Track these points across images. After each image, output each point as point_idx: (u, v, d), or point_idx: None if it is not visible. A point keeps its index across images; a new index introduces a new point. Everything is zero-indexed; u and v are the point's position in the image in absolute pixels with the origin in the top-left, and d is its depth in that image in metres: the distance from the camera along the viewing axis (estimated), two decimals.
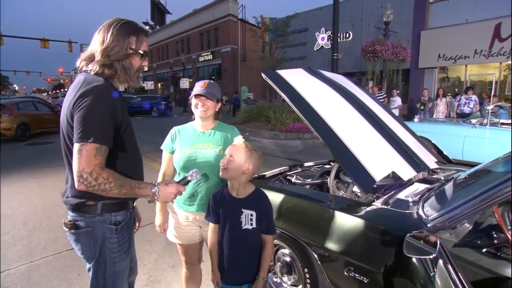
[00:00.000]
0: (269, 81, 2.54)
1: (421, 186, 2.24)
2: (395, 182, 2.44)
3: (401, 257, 1.60)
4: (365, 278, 1.76)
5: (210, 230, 1.72)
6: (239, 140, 1.66)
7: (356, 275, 1.80)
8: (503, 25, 11.94)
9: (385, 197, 2.16)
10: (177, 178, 1.98)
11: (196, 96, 1.88)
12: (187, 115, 21.99)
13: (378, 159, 2.25)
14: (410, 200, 1.94)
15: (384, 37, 12.35)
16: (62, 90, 75.14)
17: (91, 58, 1.38)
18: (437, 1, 14.23)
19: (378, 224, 1.76)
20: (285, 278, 2.35)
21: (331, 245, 1.89)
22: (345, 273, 1.85)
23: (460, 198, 1.61)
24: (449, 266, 1.34)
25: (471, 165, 3.04)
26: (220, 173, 1.62)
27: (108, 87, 1.33)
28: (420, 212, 1.74)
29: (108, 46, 1.34)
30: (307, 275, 2.13)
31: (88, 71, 1.37)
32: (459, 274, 1.32)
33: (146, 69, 1.54)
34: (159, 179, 2.02)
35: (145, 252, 3.24)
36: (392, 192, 2.22)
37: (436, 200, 1.84)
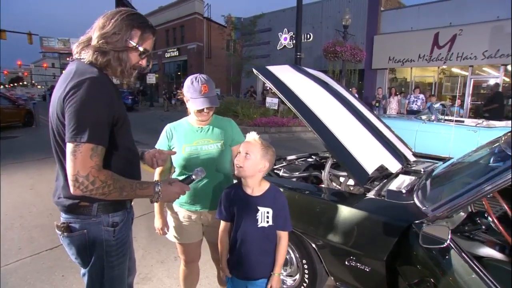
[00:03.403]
0: (260, 76, 2.41)
1: (406, 178, 2.26)
2: (380, 174, 2.45)
3: (403, 245, 1.59)
4: (366, 267, 1.73)
5: (222, 229, 1.57)
6: (253, 136, 1.51)
7: (358, 264, 1.76)
8: (440, 34, 12.80)
9: (376, 188, 2.15)
10: (176, 177, 1.80)
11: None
12: (154, 110, 21.07)
13: (368, 153, 2.23)
14: (404, 191, 1.93)
15: (343, 39, 12.65)
16: (20, 83, 68.57)
17: (88, 43, 1.16)
18: (387, 10, 14.87)
19: (380, 215, 1.73)
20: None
21: (333, 237, 1.84)
22: (346, 262, 1.81)
23: (454, 189, 1.62)
24: (457, 250, 1.34)
25: (430, 157, 3.15)
26: (236, 172, 1.47)
27: (103, 78, 1.13)
28: (417, 203, 1.74)
29: (107, 32, 1.13)
30: (305, 266, 2.07)
31: (81, 60, 1.16)
32: (466, 254, 1.32)
33: (146, 68, 1.33)
34: (155, 179, 1.82)
35: None
36: (381, 184, 2.21)
37: (429, 191, 1.84)
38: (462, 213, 1.76)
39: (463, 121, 7.25)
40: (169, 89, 22.73)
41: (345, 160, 2.08)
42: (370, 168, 2.11)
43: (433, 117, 6.97)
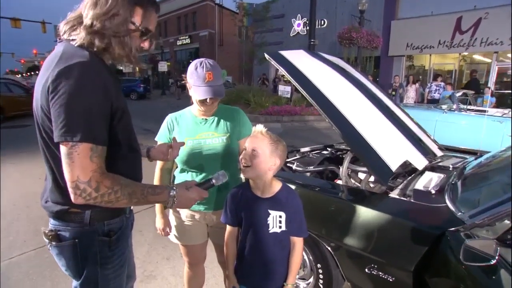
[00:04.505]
0: (273, 62, 2.20)
1: (434, 175, 2.03)
2: (403, 170, 2.22)
3: (436, 256, 1.39)
4: (390, 277, 1.54)
5: (228, 234, 1.40)
6: (260, 129, 1.30)
7: (380, 273, 1.57)
8: (464, 18, 12.08)
9: (399, 187, 1.94)
10: (178, 174, 1.62)
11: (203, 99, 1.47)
12: (166, 98, 21.03)
13: (392, 147, 2.01)
14: (433, 191, 1.71)
15: (359, 25, 12.12)
16: (37, 72, 69.90)
17: (79, 20, 0.95)
18: None
19: (408, 219, 1.52)
20: None
21: (352, 242, 1.64)
22: (366, 270, 1.62)
23: (497, 192, 1.40)
24: (506, 267, 1.13)
25: (457, 150, 2.90)
26: (242, 172, 1.28)
27: (96, 63, 0.93)
28: (450, 206, 1.52)
29: (105, 13, 0.91)
30: (320, 270, 1.89)
31: (71, 41, 0.95)
32: None
33: (149, 51, 1.12)
34: (156, 175, 1.65)
35: (136, 243, 2.81)
36: (406, 182, 2.00)
37: (464, 193, 1.62)
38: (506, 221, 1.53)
39: (486, 111, 6.84)
40: (181, 77, 22.58)
41: (366, 155, 1.87)
42: (393, 164, 1.89)
43: (454, 107, 6.56)
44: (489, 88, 8.60)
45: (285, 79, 18.69)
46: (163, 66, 22.92)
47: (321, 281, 1.90)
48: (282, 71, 2.14)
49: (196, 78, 1.46)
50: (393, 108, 2.58)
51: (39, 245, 2.77)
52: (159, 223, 1.69)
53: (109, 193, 0.89)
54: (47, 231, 1.02)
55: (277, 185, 1.33)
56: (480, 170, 1.88)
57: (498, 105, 9.31)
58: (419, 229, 1.46)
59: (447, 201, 1.56)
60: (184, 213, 1.63)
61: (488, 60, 12.42)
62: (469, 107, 6.98)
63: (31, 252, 2.69)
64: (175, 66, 30.56)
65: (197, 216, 1.62)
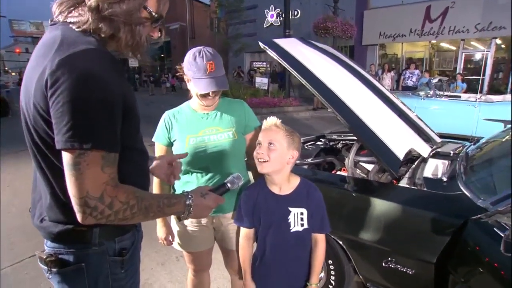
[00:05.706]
0: (268, 51, 2.08)
1: (439, 162, 2.01)
2: (404, 159, 2.19)
3: (459, 245, 1.35)
4: (410, 270, 1.49)
5: (243, 237, 1.29)
6: (274, 121, 1.21)
7: (399, 266, 1.52)
8: (432, 7, 12.47)
9: (406, 176, 1.90)
10: (180, 176, 1.47)
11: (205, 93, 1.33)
12: (138, 95, 20.25)
13: (396, 136, 1.96)
14: (444, 179, 1.68)
15: (334, 14, 12.18)
16: None
17: (77, 1, 0.77)
18: None
19: (427, 210, 1.47)
20: None
21: (368, 236, 1.58)
22: (384, 264, 1.56)
23: None
24: None
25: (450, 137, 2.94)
26: (259, 168, 1.17)
27: (105, 51, 0.77)
28: (468, 193, 1.48)
29: None
30: (332, 267, 1.82)
31: (69, 24, 0.78)
32: None
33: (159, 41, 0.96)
34: (154, 181, 1.48)
35: None
36: (411, 170, 1.97)
37: (478, 179, 1.60)
38: None
39: (459, 96, 7.10)
40: (154, 73, 21.89)
41: (374, 145, 1.81)
42: (400, 153, 1.85)
43: (431, 93, 6.76)
44: (461, 74, 8.93)
45: (261, 70, 18.59)
46: (133, 62, 22.02)
47: (332, 278, 1.84)
48: (280, 60, 2.02)
49: (196, 70, 1.31)
50: (391, 96, 2.54)
51: (16, 260, 2.51)
52: (160, 232, 1.53)
53: (125, 209, 0.75)
54: (44, 256, 0.84)
55: (295, 180, 1.25)
56: (486, 156, 1.88)
57: (468, 90, 9.76)
58: (439, 219, 1.42)
59: (463, 189, 1.53)
60: (189, 218, 1.49)
61: (453, 48, 12.94)
62: (445, 93, 7.22)
63: (7, 268, 2.42)
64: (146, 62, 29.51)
65: (203, 221, 1.48)
